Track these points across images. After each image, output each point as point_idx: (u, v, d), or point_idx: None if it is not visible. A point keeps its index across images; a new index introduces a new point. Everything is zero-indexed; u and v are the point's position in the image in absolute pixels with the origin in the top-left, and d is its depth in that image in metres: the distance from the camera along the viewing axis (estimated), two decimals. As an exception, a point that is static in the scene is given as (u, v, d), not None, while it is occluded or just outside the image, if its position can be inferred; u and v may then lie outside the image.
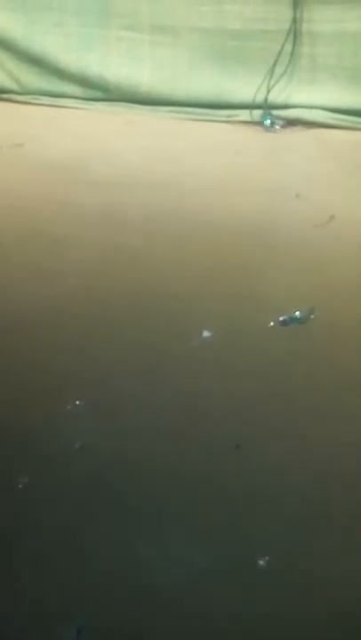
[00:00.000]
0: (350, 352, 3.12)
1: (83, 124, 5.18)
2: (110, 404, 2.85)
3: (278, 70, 5.04)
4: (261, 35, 5.04)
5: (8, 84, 5.47)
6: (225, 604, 2.16)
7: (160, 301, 3.39)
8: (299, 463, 2.61)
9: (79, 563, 2.27)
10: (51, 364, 3.06)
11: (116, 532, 2.35)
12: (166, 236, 3.88)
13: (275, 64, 5.03)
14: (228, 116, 5.16)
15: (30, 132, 5.03)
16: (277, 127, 5.07)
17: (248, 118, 5.12)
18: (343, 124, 4.97)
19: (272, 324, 3.23)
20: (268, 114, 5.07)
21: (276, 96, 5.08)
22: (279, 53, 5.01)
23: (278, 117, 5.08)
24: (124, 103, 5.34)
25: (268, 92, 5.07)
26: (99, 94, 5.38)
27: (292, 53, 5.02)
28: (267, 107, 5.08)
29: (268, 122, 5.07)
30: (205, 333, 3.17)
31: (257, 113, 5.10)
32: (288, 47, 5.01)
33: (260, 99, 5.09)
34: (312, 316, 3.25)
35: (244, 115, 5.12)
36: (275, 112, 5.08)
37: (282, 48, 5.00)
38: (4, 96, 5.50)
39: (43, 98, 5.44)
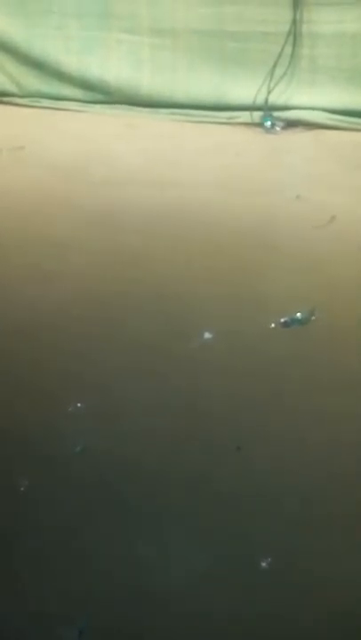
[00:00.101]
0: (351, 353, 3.12)
1: (83, 127, 5.19)
2: (111, 406, 2.85)
3: (278, 72, 5.05)
4: (261, 36, 5.04)
5: (8, 86, 5.47)
6: (225, 604, 2.16)
7: (160, 303, 3.39)
8: (299, 464, 2.61)
9: (79, 563, 2.27)
10: (51, 365, 3.06)
11: (117, 532, 2.35)
12: (167, 238, 3.88)
13: (275, 66, 5.03)
14: (229, 118, 5.16)
15: (31, 134, 5.03)
16: (278, 129, 5.07)
17: (248, 120, 5.12)
18: (343, 125, 4.98)
19: (273, 325, 3.22)
20: (268, 115, 5.08)
21: (277, 98, 5.08)
22: (279, 55, 5.01)
23: (279, 119, 5.09)
24: (124, 105, 5.34)
25: (269, 93, 5.08)
26: (99, 97, 5.39)
27: (292, 55, 5.02)
28: (267, 108, 5.08)
29: (268, 123, 5.08)
30: (206, 335, 3.17)
31: (257, 114, 5.10)
32: (288, 49, 5.01)
33: (260, 100, 5.10)
34: (313, 318, 3.25)
35: (244, 116, 5.13)
36: (275, 113, 5.09)
37: (282, 50, 5.00)
38: (5, 99, 5.50)
39: (43, 100, 5.45)
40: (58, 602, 2.17)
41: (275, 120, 5.08)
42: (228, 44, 5.11)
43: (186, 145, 4.92)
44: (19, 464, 2.60)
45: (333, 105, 5.01)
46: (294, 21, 4.97)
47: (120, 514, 2.41)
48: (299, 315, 3.25)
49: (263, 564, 2.25)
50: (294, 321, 3.23)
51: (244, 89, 5.10)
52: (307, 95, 5.07)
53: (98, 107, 5.38)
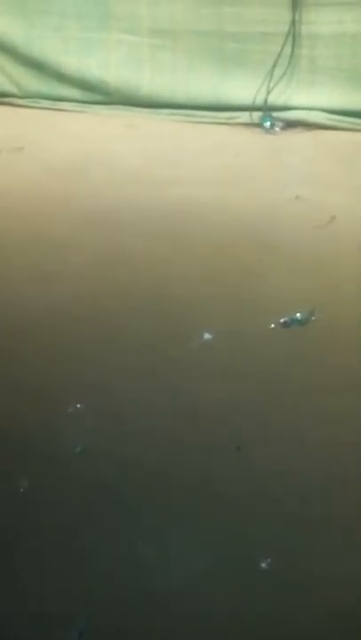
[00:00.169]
0: (351, 353, 3.12)
1: (83, 127, 5.19)
2: (111, 406, 2.85)
3: (278, 72, 5.05)
4: (261, 37, 5.04)
5: (8, 87, 5.48)
6: (225, 604, 2.16)
7: (160, 303, 3.39)
8: (299, 464, 2.61)
9: (79, 563, 2.27)
10: (51, 366, 3.06)
11: (117, 532, 2.35)
12: (166, 238, 3.88)
13: (274, 66, 5.03)
14: (228, 119, 5.16)
15: (30, 135, 5.04)
16: (277, 129, 5.08)
17: (248, 120, 5.13)
18: (343, 125, 4.98)
19: (273, 325, 3.22)
20: (267, 116, 5.08)
21: (276, 98, 5.09)
22: (278, 55, 5.01)
23: (278, 119, 5.09)
24: (124, 106, 5.35)
25: (268, 93, 5.08)
26: (99, 97, 5.39)
27: (292, 55, 5.02)
28: (266, 109, 5.09)
29: (267, 124, 5.08)
30: (206, 335, 3.17)
31: (257, 115, 5.11)
32: (287, 49, 5.02)
33: (259, 101, 5.10)
34: (313, 318, 3.25)
35: (243, 117, 5.13)
36: (274, 114, 5.09)
37: (281, 50, 5.00)
38: (4, 100, 5.50)
39: (43, 101, 5.45)
40: (58, 602, 2.17)
41: (274, 120, 5.09)
42: (228, 45, 5.12)
43: (186, 145, 4.92)
44: (19, 464, 2.60)
45: (333, 105, 5.01)
46: (293, 22, 4.97)
47: (120, 514, 2.41)
48: (299, 315, 3.25)
49: (263, 564, 2.25)
50: (294, 321, 3.23)
51: (244, 89, 5.10)
52: (306, 95, 5.08)
53: (97, 107, 5.38)
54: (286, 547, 2.32)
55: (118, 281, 3.56)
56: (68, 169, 4.59)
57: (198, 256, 3.75)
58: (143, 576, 2.23)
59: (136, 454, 2.64)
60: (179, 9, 5.12)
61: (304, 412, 2.83)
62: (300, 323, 3.23)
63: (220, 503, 2.46)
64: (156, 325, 3.25)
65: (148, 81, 5.29)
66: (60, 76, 5.40)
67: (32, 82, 5.45)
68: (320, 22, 4.97)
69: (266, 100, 5.10)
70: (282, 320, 3.23)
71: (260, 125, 5.11)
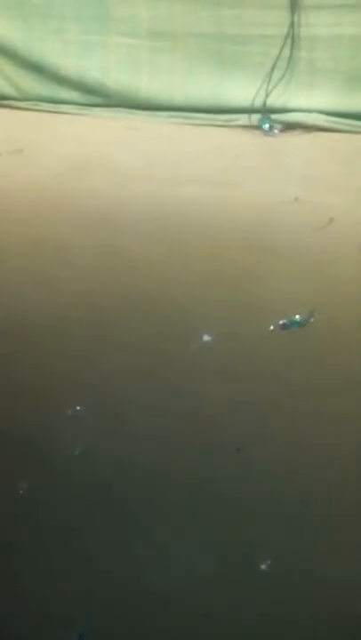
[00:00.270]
0: (350, 354, 3.12)
1: (82, 130, 5.19)
2: (111, 408, 2.85)
3: (276, 74, 5.06)
4: (259, 39, 5.05)
5: (8, 90, 5.48)
6: (225, 605, 2.16)
7: (160, 305, 3.40)
8: (299, 465, 2.61)
9: (79, 563, 2.28)
10: (51, 368, 3.07)
11: (117, 533, 2.36)
12: (166, 240, 3.88)
13: (273, 68, 5.04)
14: (227, 121, 5.17)
15: (30, 137, 5.04)
16: (276, 131, 5.08)
17: (247, 122, 5.13)
18: (341, 127, 4.99)
19: (272, 327, 3.23)
20: (266, 118, 5.09)
21: (275, 100, 5.09)
22: (277, 58, 5.02)
23: (277, 121, 5.10)
24: (123, 109, 5.35)
25: (267, 96, 5.09)
26: (98, 100, 5.40)
27: (290, 58, 5.03)
28: (265, 111, 5.09)
29: (266, 126, 5.09)
30: (205, 337, 3.17)
31: (256, 117, 5.11)
32: (286, 52, 5.02)
33: (258, 103, 5.10)
34: (312, 319, 3.25)
35: (242, 119, 5.14)
36: (273, 116, 5.10)
37: (280, 52, 5.01)
38: (4, 102, 5.50)
39: (42, 104, 5.45)
40: (58, 602, 2.17)
41: (273, 122, 5.09)
42: (227, 47, 5.12)
43: (185, 147, 4.93)
44: (19, 465, 2.60)
45: (331, 107, 5.02)
46: (292, 24, 4.98)
47: (120, 514, 2.42)
48: (298, 317, 3.25)
49: (263, 565, 2.25)
50: (293, 323, 3.24)
51: (243, 91, 5.11)
52: (305, 98, 5.08)
53: (97, 110, 5.39)
54: (286, 547, 2.32)
55: (118, 283, 3.56)
56: (67, 171, 4.59)
57: (198, 258, 3.75)
58: (143, 576, 2.23)
59: (136, 455, 2.64)
60: (178, 11, 5.13)
61: (303, 413, 2.83)
62: (300, 324, 3.24)
63: (220, 504, 2.46)
64: (155, 327, 3.26)
65: (148, 83, 5.29)
66: (60, 79, 5.40)
67: (32, 84, 5.45)
68: (318, 25, 4.97)
69: (265, 103, 5.10)
70: (281, 322, 3.24)
71: (258, 127, 5.11)
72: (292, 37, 5.00)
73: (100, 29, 5.29)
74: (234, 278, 3.58)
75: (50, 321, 3.31)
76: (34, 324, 3.30)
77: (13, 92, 5.48)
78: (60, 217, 4.12)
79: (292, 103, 5.11)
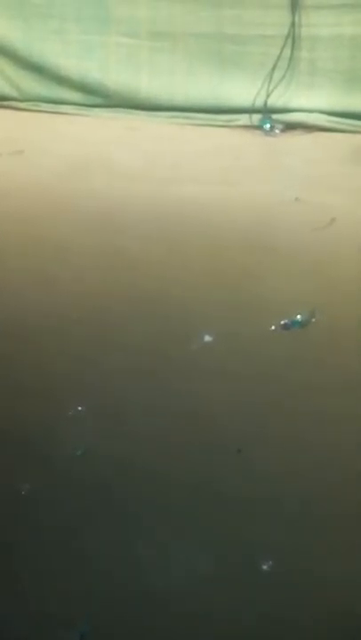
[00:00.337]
0: (351, 354, 3.12)
1: (83, 130, 5.19)
2: (111, 409, 2.85)
3: (277, 74, 5.06)
4: (260, 39, 5.05)
5: (8, 90, 5.48)
6: (225, 605, 2.16)
7: (160, 306, 3.39)
8: (300, 465, 2.61)
9: (79, 564, 2.28)
10: (52, 368, 3.07)
11: (117, 533, 2.36)
12: (167, 240, 3.88)
13: (273, 68, 5.04)
14: (228, 121, 5.17)
15: (30, 138, 5.04)
16: (277, 131, 5.09)
17: (248, 122, 5.14)
18: (342, 127, 4.99)
19: (273, 327, 3.23)
20: (267, 118, 5.09)
21: (276, 100, 5.10)
22: (278, 58, 5.02)
23: (278, 121, 5.11)
24: (123, 109, 5.35)
25: (268, 96, 5.09)
26: (98, 100, 5.40)
27: (291, 58, 5.03)
28: (266, 111, 5.10)
29: (267, 126, 5.09)
30: (206, 337, 3.17)
31: (256, 117, 5.12)
32: (287, 52, 5.03)
33: (259, 103, 5.11)
34: (313, 320, 3.25)
35: (243, 119, 5.14)
36: (274, 116, 5.11)
37: (280, 52, 5.01)
38: (4, 103, 5.51)
39: (42, 104, 5.46)
40: (58, 602, 2.17)
41: (274, 122, 5.10)
42: (227, 47, 5.13)
43: (185, 148, 4.93)
44: (20, 466, 2.60)
45: (332, 107, 5.02)
46: (293, 24, 4.98)
47: (120, 514, 2.42)
48: (299, 317, 3.25)
49: (263, 565, 2.25)
50: (294, 323, 3.24)
51: (243, 91, 5.11)
52: (305, 97, 5.09)
53: (97, 110, 5.39)
54: (286, 547, 2.32)
55: (119, 283, 3.56)
56: (67, 171, 4.59)
57: (198, 258, 3.75)
58: (143, 576, 2.23)
59: (136, 455, 2.64)
60: (178, 11, 5.13)
61: (304, 414, 2.83)
62: (301, 324, 3.23)
63: (220, 503, 2.46)
64: (156, 327, 3.26)
65: (148, 83, 5.29)
66: (60, 79, 5.41)
67: (32, 85, 5.46)
68: (319, 25, 4.98)
69: (265, 103, 5.11)
70: (282, 322, 3.23)
71: (259, 128, 5.12)
72: (292, 37, 5.00)
73: (100, 30, 5.30)
74: (234, 278, 3.58)
75: (50, 321, 3.31)
76: (34, 324, 3.29)
77: (14, 93, 5.49)
78: (60, 217, 4.12)
79: (293, 103, 5.11)
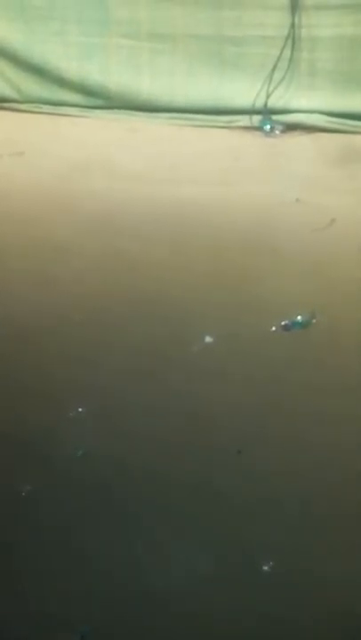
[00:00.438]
0: (352, 355, 3.12)
1: (83, 132, 5.19)
2: (112, 410, 2.85)
3: (277, 75, 5.05)
4: (260, 40, 5.05)
5: (9, 92, 5.48)
6: (225, 605, 2.17)
7: (161, 307, 3.40)
8: (300, 466, 2.61)
9: (79, 564, 2.28)
10: (52, 370, 3.07)
11: (117, 534, 2.36)
12: (167, 242, 3.88)
13: (273, 69, 5.04)
14: (228, 122, 5.17)
15: (31, 140, 5.04)
16: (277, 132, 5.08)
17: (248, 124, 5.13)
18: (342, 127, 4.98)
19: (274, 328, 3.23)
20: (267, 119, 5.09)
21: (276, 101, 5.09)
22: (278, 59, 5.02)
23: (278, 122, 5.10)
24: (124, 110, 5.34)
25: (268, 97, 5.09)
26: (99, 102, 5.40)
27: (291, 59, 5.03)
28: (266, 112, 5.09)
29: (267, 127, 5.09)
30: (207, 339, 3.17)
31: (256, 118, 5.11)
32: (287, 53, 5.02)
33: (259, 104, 5.10)
34: (314, 321, 3.26)
35: (243, 120, 5.13)
36: (274, 117, 5.10)
37: (280, 53, 5.01)
38: (5, 105, 5.50)
39: (43, 106, 5.44)
40: (58, 602, 2.17)
41: (274, 123, 5.09)
42: (227, 49, 5.12)
43: (185, 149, 4.92)
44: (20, 466, 2.61)
45: (332, 108, 5.01)
46: (293, 25, 4.98)
47: (120, 515, 2.42)
48: (299, 318, 3.25)
49: (263, 565, 2.26)
50: (295, 324, 3.24)
51: (244, 93, 5.11)
52: (305, 98, 5.08)
53: (98, 112, 5.38)
54: (286, 547, 2.32)
55: (119, 284, 3.56)
56: (68, 173, 4.59)
57: (199, 259, 3.75)
58: (143, 576, 2.24)
59: (136, 455, 2.64)
60: (178, 13, 5.13)
61: (304, 414, 2.84)
62: (301, 325, 3.24)
63: (221, 504, 2.47)
64: (156, 328, 3.26)
65: (148, 85, 5.29)
66: (61, 81, 5.40)
67: (32, 87, 5.45)
68: (319, 26, 4.97)
69: (266, 104, 5.10)
70: (283, 323, 3.24)
71: (259, 128, 5.11)
72: (292, 38, 5.00)
73: (100, 32, 5.29)
74: (235, 279, 3.58)
75: (50, 322, 3.32)
76: (34, 325, 3.30)
77: (14, 95, 5.48)
78: (60, 218, 4.12)
79: (293, 104, 5.11)
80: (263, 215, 4.14)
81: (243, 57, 5.10)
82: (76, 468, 2.61)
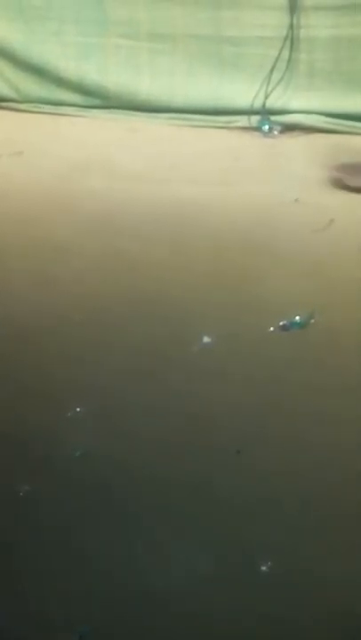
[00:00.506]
0: (351, 355, 3.12)
1: (82, 132, 5.19)
2: (111, 410, 2.85)
3: (276, 76, 5.06)
4: (259, 41, 5.05)
5: (7, 92, 5.48)
6: (225, 605, 2.17)
7: (160, 307, 3.39)
8: (299, 466, 2.61)
9: (79, 564, 2.28)
10: (52, 370, 3.07)
11: (117, 534, 2.36)
12: (166, 242, 3.88)
13: (272, 70, 5.04)
14: (227, 122, 5.17)
15: (30, 139, 5.04)
16: (276, 132, 5.09)
17: (246, 124, 5.14)
18: (340, 128, 4.99)
19: (272, 328, 3.23)
20: (266, 119, 5.10)
21: (274, 102, 5.10)
22: (276, 59, 5.02)
23: (276, 123, 5.10)
24: (123, 110, 5.35)
25: (266, 97, 5.09)
26: (98, 102, 5.40)
27: (290, 59, 5.03)
28: (265, 112, 5.10)
29: (266, 127, 5.09)
30: (205, 339, 3.17)
31: (255, 119, 5.12)
32: (285, 53, 5.02)
33: (258, 104, 5.11)
34: (312, 321, 3.26)
35: (242, 120, 5.14)
36: (273, 117, 5.10)
37: (279, 54, 5.01)
38: (4, 104, 5.50)
39: (42, 106, 5.45)
40: (58, 602, 2.17)
41: (272, 124, 5.09)
42: (226, 49, 5.13)
43: (184, 149, 4.93)
44: (20, 466, 2.61)
45: (330, 109, 5.02)
46: (291, 26, 4.98)
47: (120, 515, 2.42)
48: (298, 318, 3.25)
49: (263, 565, 2.26)
50: (293, 324, 3.24)
51: (242, 93, 5.11)
52: (304, 99, 5.09)
53: (97, 112, 5.39)
54: (286, 547, 2.32)
55: (118, 284, 3.56)
56: (67, 173, 4.59)
57: (198, 259, 3.75)
58: (143, 576, 2.24)
59: (136, 456, 2.64)
60: (177, 13, 5.13)
61: (303, 415, 2.84)
62: (300, 325, 3.24)
63: (220, 504, 2.47)
64: (156, 328, 3.26)
65: (147, 85, 5.30)
66: (60, 81, 5.41)
67: (31, 86, 5.46)
68: (318, 26, 4.97)
69: (264, 104, 5.11)
70: (281, 323, 3.24)
71: (258, 129, 5.12)
72: (291, 39, 5.00)
73: (98, 32, 5.30)
74: (234, 279, 3.58)
75: (50, 322, 3.32)
76: (34, 325, 3.30)
77: (13, 94, 5.49)
78: (60, 218, 4.12)
79: (292, 105, 5.11)
80: (263, 215, 4.14)
81: (241, 57, 5.10)
82: (76, 467, 2.60)
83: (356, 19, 4.90)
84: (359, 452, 2.67)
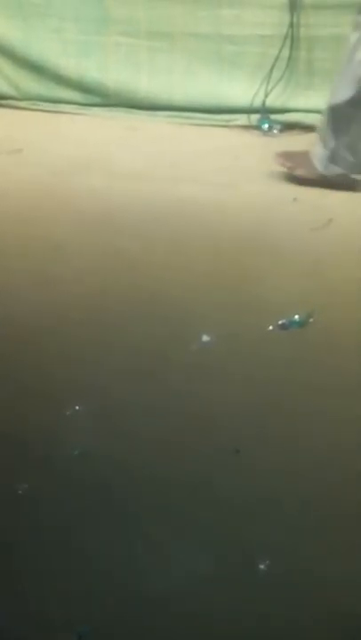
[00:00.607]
0: (350, 355, 3.13)
1: (81, 130, 5.20)
2: (111, 411, 2.85)
3: (275, 75, 5.06)
4: (258, 40, 5.05)
5: (7, 89, 5.49)
6: (225, 605, 2.17)
7: (159, 307, 3.39)
8: (298, 466, 2.61)
9: (79, 564, 2.28)
10: (51, 370, 3.06)
11: (117, 534, 2.36)
12: (165, 241, 3.88)
13: (272, 68, 5.05)
14: (226, 121, 5.18)
15: (29, 137, 5.04)
16: (275, 131, 5.10)
17: (246, 122, 5.14)
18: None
19: (271, 327, 3.23)
20: (265, 118, 5.10)
21: (274, 100, 5.10)
22: (276, 58, 5.02)
23: (276, 121, 5.11)
24: (122, 108, 5.36)
25: (266, 96, 5.10)
26: (97, 100, 5.41)
27: (289, 58, 5.04)
28: (264, 111, 5.10)
29: (265, 126, 5.10)
30: (205, 338, 3.17)
31: (255, 117, 5.13)
32: (285, 52, 5.03)
33: (257, 103, 5.12)
34: (311, 320, 3.26)
35: (241, 119, 5.15)
36: (272, 116, 5.11)
37: (279, 53, 5.02)
38: (3, 102, 5.51)
39: (41, 103, 5.46)
40: (58, 602, 2.17)
41: (272, 123, 5.10)
42: (226, 47, 5.13)
43: (184, 147, 4.93)
44: (20, 466, 2.61)
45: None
46: (291, 25, 4.98)
47: (120, 515, 2.42)
48: (297, 317, 3.25)
49: (263, 565, 2.26)
50: (292, 323, 3.24)
51: (242, 92, 5.12)
52: (304, 98, 5.09)
53: (96, 109, 5.40)
54: (286, 547, 2.32)
55: (118, 283, 3.56)
56: (67, 171, 4.59)
57: (198, 258, 3.75)
58: (143, 576, 2.24)
59: (136, 456, 2.64)
60: (176, 11, 5.13)
61: (303, 414, 2.83)
62: (299, 325, 3.24)
63: (220, 504, 2.46)
64: (156, 328, 3.25)
65: (147, 83, 5.30)
66: (59, 79, 5.41)
67: (31, 84, 5.46)
68: (318, 25, 4.98)
69: (264, 103, 5.11)
70: (280, 322, 3.24)
71: (257, 127, 5.13)
72: (291, 38, 5.01)
73: (98, 30, 5.30)
74: (233, 279, 3.58)
75: (49, 321, 3.31)
76: (33, 324, 3.29)
77: (12, 92, 5.49)
78: (59, 217, 4.12)
79: (292, 103, 5.12)
80: (261, 214, 4.15)
81: (241, 56, 5.11)
82: (76, 467, 2.60)
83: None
84: (359, 452, 2.67)
